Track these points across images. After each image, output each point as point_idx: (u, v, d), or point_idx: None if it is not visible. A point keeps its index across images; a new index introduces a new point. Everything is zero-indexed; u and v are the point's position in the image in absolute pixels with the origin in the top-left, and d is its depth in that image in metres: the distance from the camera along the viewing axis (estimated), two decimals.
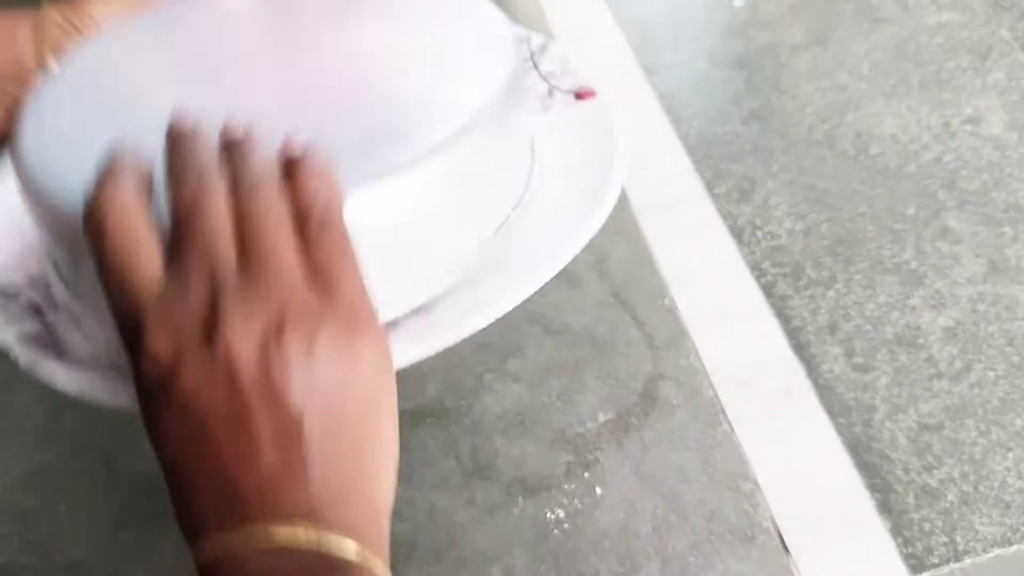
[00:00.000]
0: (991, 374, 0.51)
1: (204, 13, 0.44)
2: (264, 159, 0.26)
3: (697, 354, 0.53)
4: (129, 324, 0.24)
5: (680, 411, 0.51)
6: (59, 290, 0.36)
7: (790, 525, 0.46)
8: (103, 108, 0.38)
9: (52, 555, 0.49)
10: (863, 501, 0.47)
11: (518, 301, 0.37)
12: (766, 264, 0.57)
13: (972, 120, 0.64)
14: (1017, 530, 0.45)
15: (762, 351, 0.53)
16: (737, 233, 0.59)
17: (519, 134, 0.45)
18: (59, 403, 0.55)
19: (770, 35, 0.72)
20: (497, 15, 0.43)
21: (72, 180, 0.30)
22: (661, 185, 0.62)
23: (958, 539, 0.45)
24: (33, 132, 0.36)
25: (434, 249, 0.38)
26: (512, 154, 0.44)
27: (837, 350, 0.53)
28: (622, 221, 0.59)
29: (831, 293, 0.55)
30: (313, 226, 0.24)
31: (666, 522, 0.47)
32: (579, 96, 0.50)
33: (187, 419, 0.23)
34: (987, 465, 0.48)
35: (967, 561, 0.45)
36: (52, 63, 0.40)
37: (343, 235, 0.25)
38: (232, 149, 0.26)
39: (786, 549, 0.46)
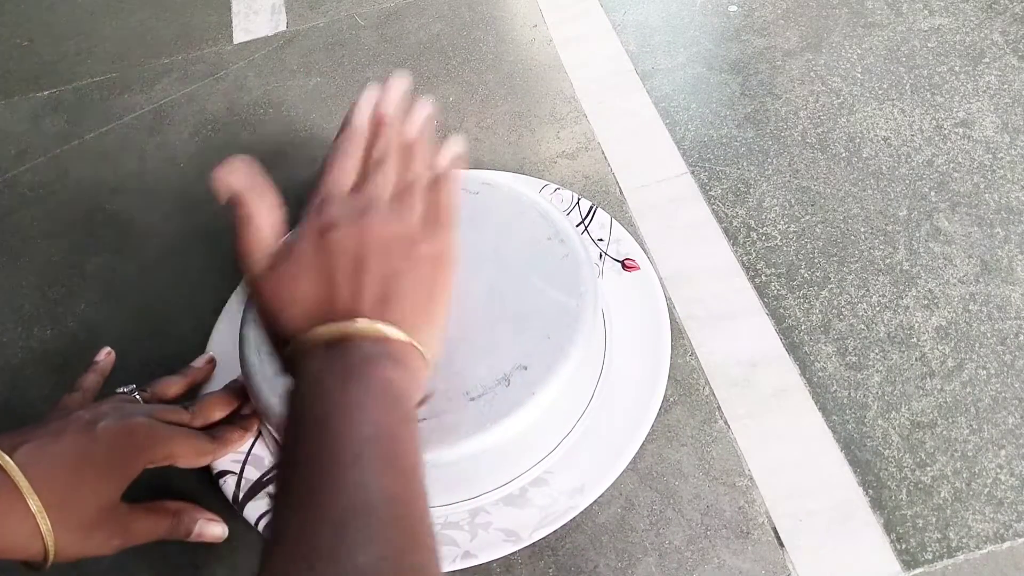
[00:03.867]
0: (983, 373, 0.51)
1: None
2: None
3: (694, 352, 0.54)
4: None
5: (677, 408, 0.51)
6: None
7: (785, 521, 0.47)
8: None
9: None
10: (856, 497, 0.47)
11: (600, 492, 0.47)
12: (760, 265, 0.57)
13: (964, 123, 0.64)
14: (1010, 527, 0.46)
15: (757, 350, 0.53)
16: (732, 234, 0.59)
17: (600, 326, 0.51)
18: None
19: (764, 40, 0.72)
20: (574, 232, 0.50)
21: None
22: (657, 187, 0.63)
23: (951, 535, 0.46)
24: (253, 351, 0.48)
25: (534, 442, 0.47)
26: (596, 349, 0.50)
27: (830, 349, 0.53)
28: (620, 219, 0.59)
29: (824, 293, 0.56)
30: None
31: (663, 517, 0.47)
32: (626, 267, 0.54)
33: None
34: (979, 462, 0.48)
35: (960, 557, 0.45)
36: None
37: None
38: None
39: (781, 544, 0.46)
